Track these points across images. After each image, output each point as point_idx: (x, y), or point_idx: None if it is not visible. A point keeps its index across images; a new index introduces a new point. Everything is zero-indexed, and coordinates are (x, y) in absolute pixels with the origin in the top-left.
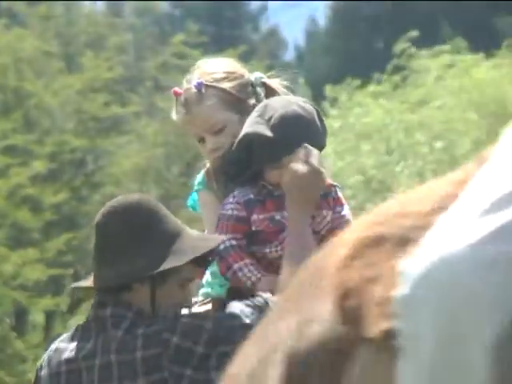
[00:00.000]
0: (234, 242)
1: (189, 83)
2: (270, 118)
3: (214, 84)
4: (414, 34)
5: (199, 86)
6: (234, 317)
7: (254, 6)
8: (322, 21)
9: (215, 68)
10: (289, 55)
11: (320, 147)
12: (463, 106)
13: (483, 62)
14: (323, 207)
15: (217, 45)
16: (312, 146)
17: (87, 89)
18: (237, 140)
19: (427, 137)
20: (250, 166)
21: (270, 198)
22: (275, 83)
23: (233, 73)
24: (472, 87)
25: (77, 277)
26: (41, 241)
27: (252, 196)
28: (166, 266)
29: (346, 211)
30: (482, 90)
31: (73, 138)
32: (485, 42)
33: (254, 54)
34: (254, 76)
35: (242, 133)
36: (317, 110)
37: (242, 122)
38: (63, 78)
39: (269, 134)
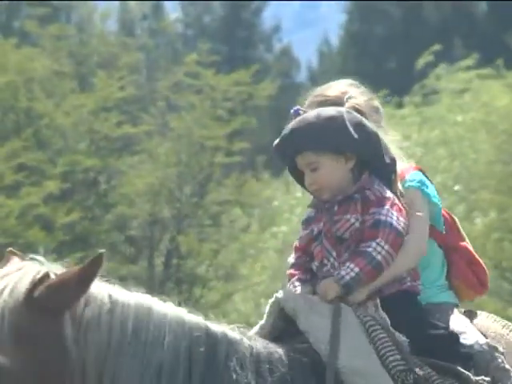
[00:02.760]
0: (292, 260)
1: None
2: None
3: None
4: (437, 47)
5: None
6: None
7: (267, 26)
8: (335, 41)
9: None
10: (301, 75)
11: (350, 151)
12: (476, 125)
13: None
14: (348, 211)
15: (230, 64)
16: (334, 148)
17: (99, 108)
18: None
19: (447, 153)
20: None
21: (320, 210)
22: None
23: None
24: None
25: None
26: (53, 261)
27: (312, 213)
28: None
29: (384, 212)
30: (495, 109)
31: (85, 157)
32: (498, 57)
33: (267, 74)
34: None
35: None
36: (355, 118)
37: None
38: (75, 97)
39: (276, 141)
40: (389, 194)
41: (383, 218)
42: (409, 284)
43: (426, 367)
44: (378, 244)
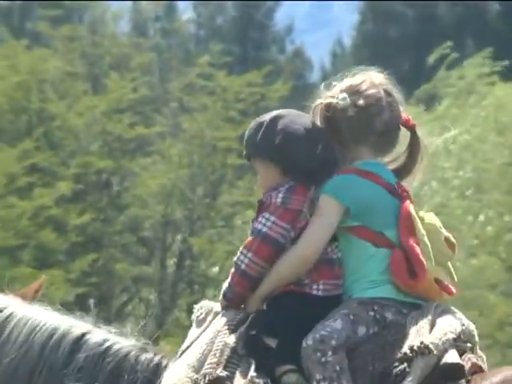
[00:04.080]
0: None
1: None
2: None
3: None
4: (449, 44)
5: None
6: None
7: (279, 27)
8: (348, 42)
9: None
10: (314, 76)
11: (252, 155)
12: (487, 130)
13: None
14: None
15: (242, 66)
16: (255, 155)
17: (112, 110)
18: None
19: (452, 163)
20: None
21: None
22: None
23: None
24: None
25: (101, 298)
26: (65, 262)
27: None
28: None
29: (260, 219)
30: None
31: (98, 159)
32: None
33: (279, 75)
34: None
35: None
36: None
37: None
38: (88, 98)
39: None
40: (278, 199)
41: (256, 225)
42: (297, 285)
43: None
44: (241, 253)
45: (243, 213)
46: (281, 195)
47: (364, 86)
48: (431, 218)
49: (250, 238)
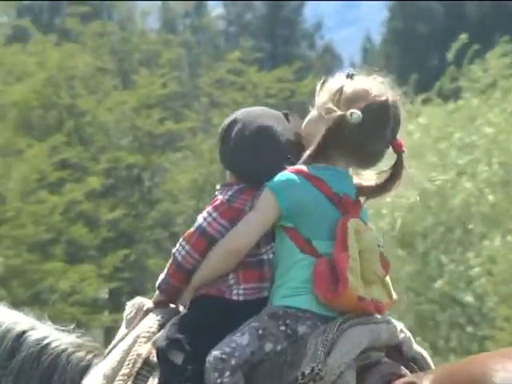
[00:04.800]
0: None
1: None
2: None
3: None
4: (465, 36)
5: None
6: None
7: (309, 24)
8: (377, 39)
9: None
10: None
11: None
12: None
13: None
14: None
15: (272, 62)
16: None
17: (142, 105)
18: None
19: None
20: None
21: None
22: None
23: None
24: None
25: (134, 293)
26: (97, 257)
27: None
28: None
29: (203, 213)
30: None
31: (128, 154)
32: None
33: (309, 71)
34: None
35: None
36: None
37: None
38: (118, 94)
39: None
40: (226, 197)
41: (199, 219)
42: (220, 287)
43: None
44: (180, 244)
45: None
46: (229, 193)
47: (372, 94)
48: (371, 234)
49: (190, 230)
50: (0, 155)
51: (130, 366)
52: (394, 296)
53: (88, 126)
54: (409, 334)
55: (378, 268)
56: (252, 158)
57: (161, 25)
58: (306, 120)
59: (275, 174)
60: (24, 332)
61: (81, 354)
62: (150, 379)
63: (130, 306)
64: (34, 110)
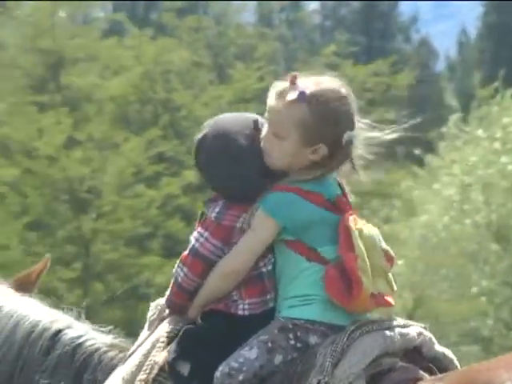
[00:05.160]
0: None
1: None
2: None
3: None
4: None
5: None
6: None
7: (404, 18)
8: (473, 33)
9: None
10: (439, 66)
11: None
12: None
13: None
14: None
15: (367, 55)
16: None
17: (238, 99)
18: None
19: None
20: None
21: None
22: None
23: None
24: None
25: None
26: None
27: None
28: None
29: (194, 234)
30: None
31: None
32: None
33: (405, 65)
34: None
35: None
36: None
37: None
38: (214, 88)
39: None
40: (213, 214)
41: (192, 240)
42: (226, 302)
43: None
44: (178, 266)
45: (371, 202)
46: (216, 210)
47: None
48: (370, 230)
49: (185, 253)
50: (97, 149)
51: (148, 371)
52: (395, 287)
53: (184, 121)
54: (430, 335)
55: (383, 263)
56: (223, 172)
57: (256, 19)
58: (274, 147)
59: (249, 187)
60: (60, 331)
61: (112, 353)
62: None
63: (153, 308)
64: (130, 105)
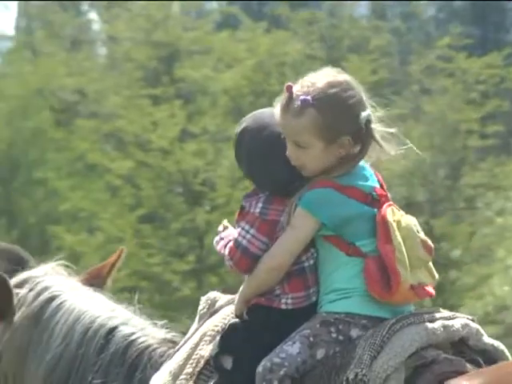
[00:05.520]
0: None
1: None
2: None
3: None
4: None
5: None
6: None
7: None
8: None
9: None
10: None
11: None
12: None
13: None
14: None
15: (482, 48)
16: None
17: None
18: None
19: None
20: None
21: None
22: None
23: None
24: None
25: None
26: None
27: None
28: None
29: (238, 229)
30: None
31: None
32: None
33: None
34: None
35: None
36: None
37: None
38: None
39: None
40: (257, 210)
41: (237, 236)
42: (269, 297)
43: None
44: (225, 259)
45: (485, 195)
46: (260, 205)
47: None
48: (408, 220)
49: (231, 246)
50: (210, 142)
51: (194, 365)
52: (436, 275)
53: None
54: (477, 327)
55: (421, 253)
56: (263, 167)
57: (370, 11)
58: (308, 152)
59: (288, 183)
60: (115, 328)
61: (162, 349)
62: (211, 380)
63: (204, 301)
64: (244, 97)
